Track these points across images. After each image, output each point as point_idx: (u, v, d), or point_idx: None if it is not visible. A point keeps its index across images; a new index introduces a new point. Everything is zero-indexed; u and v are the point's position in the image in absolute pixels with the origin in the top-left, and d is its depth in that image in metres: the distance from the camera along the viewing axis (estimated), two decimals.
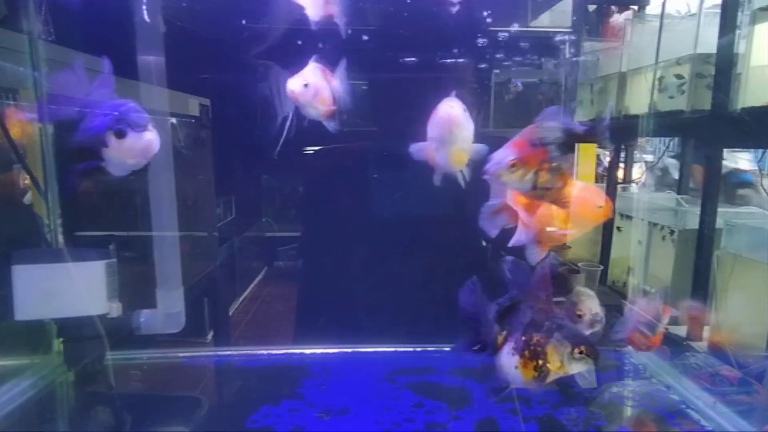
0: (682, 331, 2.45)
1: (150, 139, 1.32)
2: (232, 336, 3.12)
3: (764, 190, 2.90)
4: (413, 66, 2.16)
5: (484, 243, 2.21)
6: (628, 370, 1.89)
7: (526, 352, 1.14)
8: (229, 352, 2.06)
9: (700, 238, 2.34)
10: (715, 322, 2.33)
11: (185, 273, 2.21)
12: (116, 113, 1.32)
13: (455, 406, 1.61)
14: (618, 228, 3.21)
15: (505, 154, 1.13)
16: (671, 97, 2.65)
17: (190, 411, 1.68)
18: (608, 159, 3.50)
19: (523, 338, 1.15)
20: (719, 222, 2.34)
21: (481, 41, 2.25)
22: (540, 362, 1.13)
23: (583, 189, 1.27)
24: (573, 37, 2.60)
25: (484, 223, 1.32)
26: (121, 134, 1.29)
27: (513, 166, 1.12)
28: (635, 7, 3.26)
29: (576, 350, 1.11)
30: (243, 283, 3.70)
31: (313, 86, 1.46)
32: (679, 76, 2.54)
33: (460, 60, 2.22)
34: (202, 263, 2.67)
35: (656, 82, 2.72)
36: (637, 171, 3.89)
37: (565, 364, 1.12)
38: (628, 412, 1.67)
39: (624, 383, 1.81)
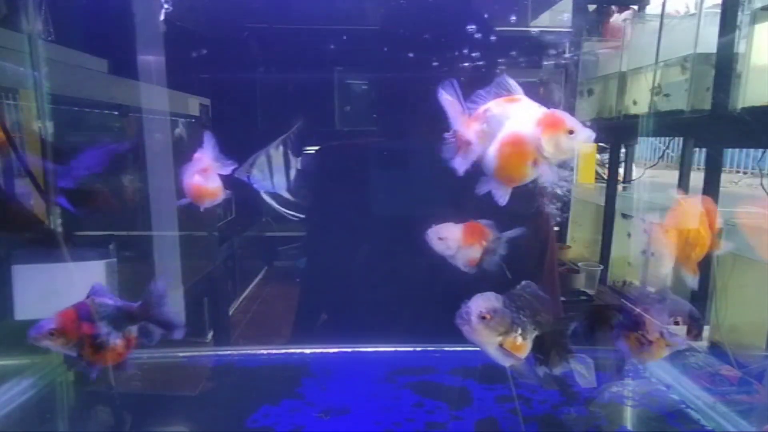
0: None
1: None
2: (232, 336, 3.12)
3: (765, 189, 2.89)
4: (413, 65, 2.16)
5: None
6: (628, 370, 1.89)
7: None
8: (228, 352, 2.06)
9: None
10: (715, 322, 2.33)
11: (185, 272, 2.21)
12: None
13: (455, 406, 1.61)
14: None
15: (47, 322, 1.24)
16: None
17: (190, 411, 1.69)
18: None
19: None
20: (719, 222, 2.33)
21: (480, 40, 2.25)
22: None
23: None
24: (573, 37, 2.60)
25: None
26: None
27: (52, 334, 1.23)
28: (635, 7, 3.26)
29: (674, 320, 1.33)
30: (243, 283, 3.70)
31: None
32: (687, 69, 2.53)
33: (459, 60, 2.21)
34: (202, 263, 2.67)
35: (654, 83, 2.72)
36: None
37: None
38: (628, 412, 1.67)
39: (624, 383, 1.81)
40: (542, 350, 1.30)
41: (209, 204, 1.51)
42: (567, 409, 1.60)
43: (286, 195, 1.57)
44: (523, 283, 1.29)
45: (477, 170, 1.18)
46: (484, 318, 1.20)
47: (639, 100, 2.86)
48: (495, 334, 1.22)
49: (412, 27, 2.09)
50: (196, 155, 1.48)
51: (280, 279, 3.78)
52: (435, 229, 1.53)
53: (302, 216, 1.70)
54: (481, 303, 1.23)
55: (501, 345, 1.22)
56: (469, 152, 1.15)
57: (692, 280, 1.40)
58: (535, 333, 1.26)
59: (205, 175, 1.48)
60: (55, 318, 1.24)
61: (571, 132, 1.04)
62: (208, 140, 1.50)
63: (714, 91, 2.27)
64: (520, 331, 1.23)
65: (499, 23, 2.32)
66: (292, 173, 1.57)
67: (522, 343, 1.23)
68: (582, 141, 1.04)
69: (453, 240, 1.51)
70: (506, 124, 1.10)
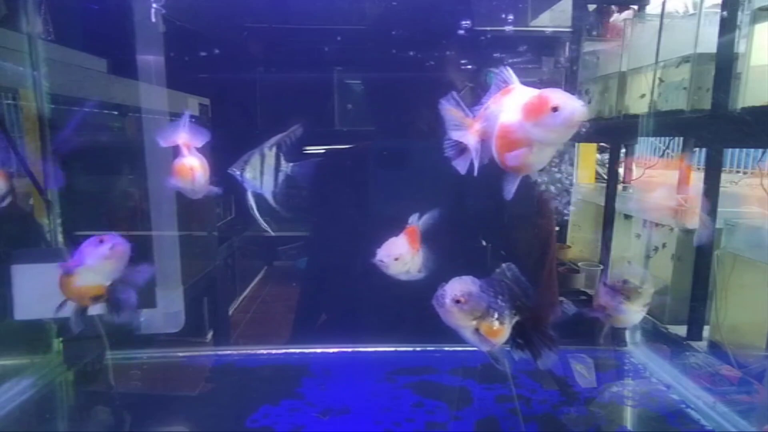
0: (682, 330, 2.44)
1: None
2: (231, 336, 3.12)
3: (765, 189, 2.89)
4: (410, 65, 2.16)
5: (483, 243, 2.21)
6: (628, 370, 1.89)
7: None
8: (228, 352, 2.06)
9: None
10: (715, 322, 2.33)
11: (185, 272, 2.21)
12: None
13: (455, 406, 1.61)
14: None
15: (82, 257, 1.34)
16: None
17: (190, 411, 1.69)
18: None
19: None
20: (719, 222, 2.33)
21: (480, 40, 2.25)
22: None
23: None
24: (573, 37, 2.60)
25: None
26: None
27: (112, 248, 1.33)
28: (635, 7, 3.25)
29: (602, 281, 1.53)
30: (243, 283, 3.70)
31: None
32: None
33: (458, 59, 2.21)
34: (202, 263, 2.66)
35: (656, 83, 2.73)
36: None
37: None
38: (628, 412, 1.67)
39: (624, 383, 1.81)
40: (522, 336, 1.28)
41: (195, 184, 1.50)
42: (567, 409, 1.60)
43: (270, 200, 1.55)
44: (503, 266, 1.27)
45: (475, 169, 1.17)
46: (458, 301, 1.19)
47: (643, 97, 2.86)
48: (470, 317, 1.20)
49: (411, 27, 2.09)
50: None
51: (280, 279, 3.77)
52: (384, 252, 1.46)
53: (272, 233, 1.68)
54: (457, 286, 1.21)
55: (477, 329, 1.21)
56: (480, 152, 1.14)
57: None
58: (515, 318, 1.23)
59: (184, 153, 1.47)
60: (90, 252, 1.33)
61: (554, 109, 0.96)
62: (182, 120, 1.48)
63: (714, 91, 2.27)
64: (496, 316, 1.20)
65: (499, 23, 2.33)
66: (281, 177, 1.54)
67: (499, 328, 1.21)
68: (568, 115, 0.96)
69: (406, 253, 1.46)
70: (500, 116, 1.06)
